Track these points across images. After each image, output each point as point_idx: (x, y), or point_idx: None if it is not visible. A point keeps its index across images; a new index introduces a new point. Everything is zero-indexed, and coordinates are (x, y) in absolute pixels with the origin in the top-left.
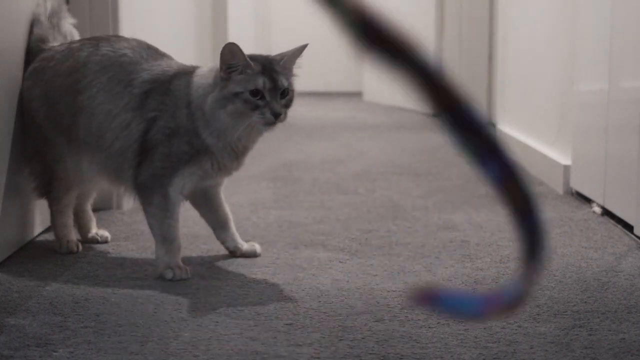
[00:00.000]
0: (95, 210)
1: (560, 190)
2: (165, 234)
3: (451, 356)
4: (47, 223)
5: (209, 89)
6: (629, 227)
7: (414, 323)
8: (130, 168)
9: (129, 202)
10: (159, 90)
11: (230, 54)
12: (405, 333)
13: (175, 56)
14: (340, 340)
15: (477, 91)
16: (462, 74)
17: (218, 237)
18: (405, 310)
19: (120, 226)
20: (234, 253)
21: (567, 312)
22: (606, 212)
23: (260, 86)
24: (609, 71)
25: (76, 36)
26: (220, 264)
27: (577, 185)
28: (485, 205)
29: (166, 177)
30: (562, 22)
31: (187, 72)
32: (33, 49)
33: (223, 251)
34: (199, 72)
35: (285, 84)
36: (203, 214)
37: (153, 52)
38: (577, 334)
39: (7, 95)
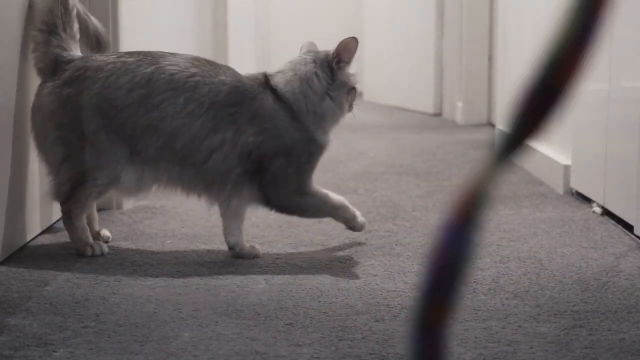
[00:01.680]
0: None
1: (560, 190)
2: (337, 209)
3: (451, 356)
4: (47, 224)
5: (319, 90)
6: (629, 227)
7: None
8: (235, 187)
9: (129, 203)
10: (247, 113)
11: (353, 49)
12: (405, 333)
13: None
14: (340, 340)
15: (477, 91)
16: (462, 74)
17: (225, 230)
18: (405, 310)
19: (120, 226)
20: (234, 249)
21: (567, 312)
22: (606, 212)
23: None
24: (609, 71)
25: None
26: (220, 264)
27: (577, 185)
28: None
29: (301, 190)
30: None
31: (262, 86)
32: (56, 58)
33: (223, 251)
34: (278, 82)
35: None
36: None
37: (214, 66)
38: (577, 334)
39: (7, 97)
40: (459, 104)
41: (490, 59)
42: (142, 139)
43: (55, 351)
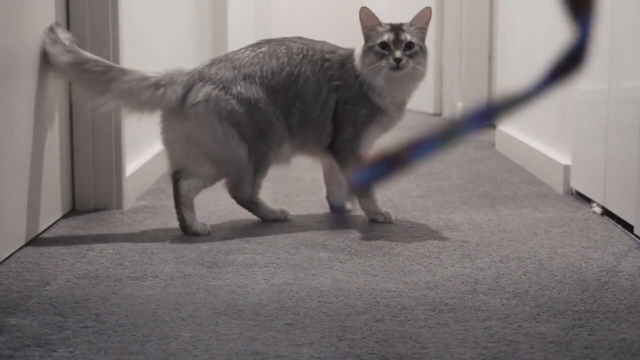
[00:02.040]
0: (95, 210)
1: (560, 190)
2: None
3: (451, 356)
4: (47, 223)
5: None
6: (629, 227)
7: (414, 323)
8: (327, 136)
9: (129, 203)
10: (338, 67)
11: (367, 17)
12: (405, 333)
13: (175, 56)
14: (340, 340)
15: (477, 91)
16: (462, 74)
17: (329, 194)
18: (405, 310)
19: (120, 226)
20: (336, 209)
21: (567, 312)
22: (606, 212)
23: (385, 39)
24: (609, 71)
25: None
26: (220, 263)
27: (577, 185)
28: (485, 205)
29: (355, 141)
30: (562, 21)
31: (350, 52)
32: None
33: (223, 251)
34: (357, 50)
35: (409, 38)
36: (326, 174)
37: (318, 42)
38: (577, 334)
39: (25, 96)
40: (459, 104)
41: (490, 59)
42: (293, 109)
43: (55, 351)
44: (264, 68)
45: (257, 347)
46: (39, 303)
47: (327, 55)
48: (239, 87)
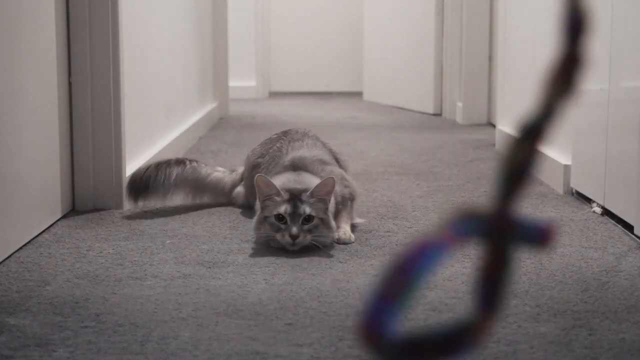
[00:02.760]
0: (95, 210)
1: (560, 190)
2: None
3: None
4: (47, 223)
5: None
6: (629, 227)
7: (414, 323)
8: None
9: (129, 203)
10: None
11: (264, 185)
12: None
13: (175, 57)
14: (340, 340)
15: (477, 91)
16: (462, 74)
17: None
18: (405, 310)
19: (120, 226)
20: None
21: (567, 312)
22: (606, 212)
23: (282, 211)
24: (609, 71)
25: None
26: (220, 263)
27: (577, 185)
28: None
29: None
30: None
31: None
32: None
33: (223, 251)
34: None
35: (307, 211)
36: None
37: (305, 157)
38: (577, 334)
39: (25, 97)
40: (459, 104)
41: (490, 59)
42: None
43: (55, 351)
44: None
45: (257, 347)
46: (39, 303)
47: None
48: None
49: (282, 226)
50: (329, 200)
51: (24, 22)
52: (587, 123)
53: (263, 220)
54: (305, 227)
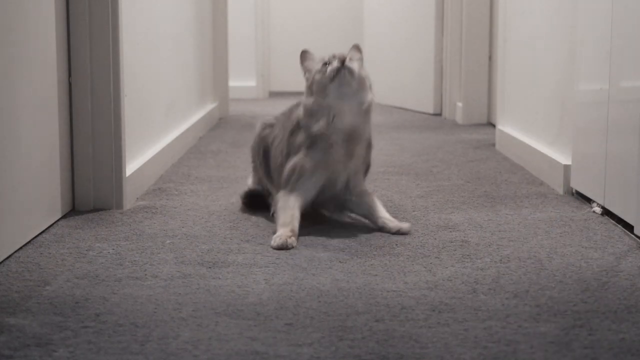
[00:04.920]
0: (95, 210)
1: (560, 190)
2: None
3: (451, 356)
4: (47, 223)
5: None
6: (629, 227)
7: (414, 323)
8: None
9: (129, 203)
10: None
11: (309, 57)
12: (405, 333)
13: (175, 56)
14: (340, 340)
15: (477, 91)
16: (462, 74)
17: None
18: (405, 310)
19: (120, 226)
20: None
21: (567, 312)
22: (606, 212)
23: (326, 60)
24: (609, 71)
25: None
26: (220, 264)
27: (577, 185)
28: (485, 205)
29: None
30: (562, 22)
31: None
32: None
33: (223, 251)
34: None
35: (355, 66)
36: None
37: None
38: (577, 334)
39: (25, 97)
40: (459, 104)
41: (490, 59)
42: None
43: (55, 351)
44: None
45: (257, 347)
46: (39, 303)
47: None
48: None
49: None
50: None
51: (24, 22)
52: (587, 123)
53: (309, 90)
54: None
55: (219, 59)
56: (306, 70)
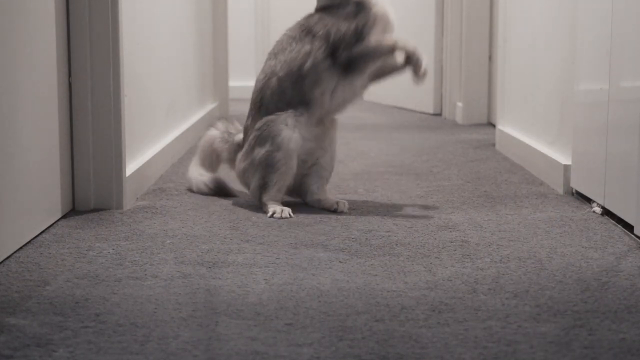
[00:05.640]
0: (95, 210)
1: (560, 190)
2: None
3: (451, 356)
4: (47, 223)
5: None
6: (629, 227)
7: (414, 323)
8: None
9: (129, 203)
10: None
11: None
12: (405, 333)
13: (175, 56)
14: (340, 340)
15: (477, 91)
16: (462, 74)
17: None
18: (405, 310)
19: (120, 226)
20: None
21: (567, 312)
22: (606, 212)
23: None
24: (609, 71)
25: None
26: (220, 263)
27: (577, 185)
28: (485, 205)
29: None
30: (562, 22)
31: None
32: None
33: (223, 251)
34: None
35: None
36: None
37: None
38: (577, 334)
39: (25, 97)
40: (459, 104)
41: (490, 59)
42: None
43: (55, 351)
44: None
45: (257, 347)
46: (39, 303)
47: None
48: None
49: None
50: None
51: (24, 22)
52: (587, 123)
53: None
54: None
55: (219, 59)
56: None
